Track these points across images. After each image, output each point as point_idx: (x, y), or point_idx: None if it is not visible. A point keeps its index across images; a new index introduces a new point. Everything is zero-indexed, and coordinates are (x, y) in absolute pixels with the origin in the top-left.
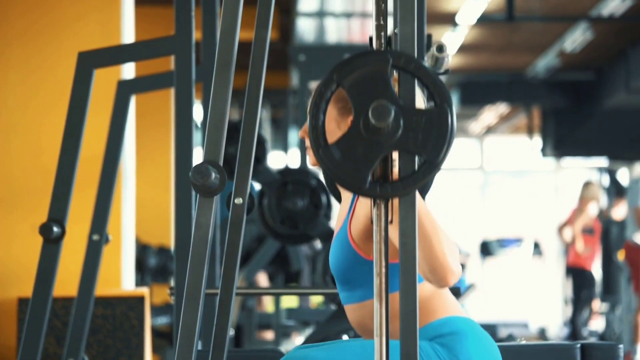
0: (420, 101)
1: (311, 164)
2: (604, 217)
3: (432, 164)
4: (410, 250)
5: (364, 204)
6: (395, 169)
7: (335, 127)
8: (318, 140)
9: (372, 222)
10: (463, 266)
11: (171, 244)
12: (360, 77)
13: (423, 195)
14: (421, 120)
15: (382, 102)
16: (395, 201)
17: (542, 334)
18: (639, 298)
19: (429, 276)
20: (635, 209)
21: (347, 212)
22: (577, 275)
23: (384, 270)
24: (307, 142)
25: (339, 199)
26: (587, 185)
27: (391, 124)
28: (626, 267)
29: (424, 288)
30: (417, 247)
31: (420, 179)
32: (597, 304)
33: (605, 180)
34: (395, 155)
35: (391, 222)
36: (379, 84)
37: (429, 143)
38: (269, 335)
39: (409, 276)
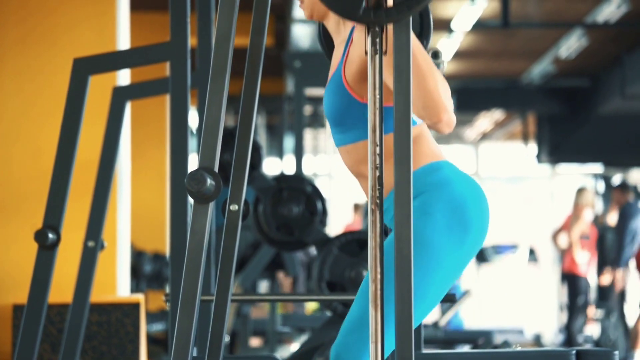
0: None
1: (307, 17)
2: (599, 223)
3: None
4: (404, 84)
5: (358, 45)
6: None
7: None
8: None
9: (365, 53)
10: None
11: (166, 250)
12: None
13: (425, 43)
14: None
15: None
16: (390, 30)
17: (537, 340)
18: None
19: (422, 113)
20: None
21: (340, 57)
22: (573, 281)
23: (379, 277)
24: None
25: (329, 56)
26: (581, 191)
27: None
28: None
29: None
30: (412, 82)
31: (414, 4)
32: (592, 311)
33: (601, 186)
34: None
35: (385, 52)
36: None
37: None
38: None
39: (404, 120)
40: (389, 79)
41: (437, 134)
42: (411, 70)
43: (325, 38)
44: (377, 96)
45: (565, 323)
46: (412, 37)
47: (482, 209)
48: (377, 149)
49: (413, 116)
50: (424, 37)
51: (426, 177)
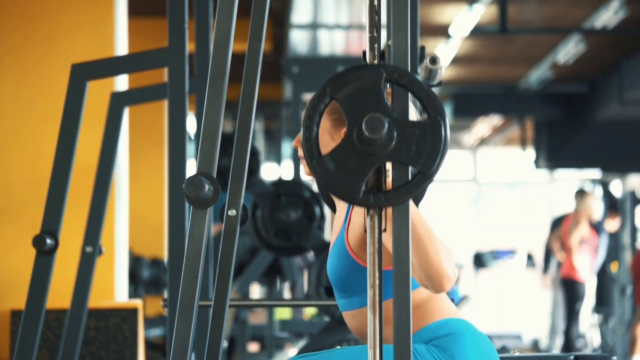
0: (413, 113)
1: (306, 174)
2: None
3: (426, 175)
4: (403, 261)
5: (360, 212)
6: (389, 179)
7: (328, 138)
8: (312, 152)
9: (365, 230)
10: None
11: (164, 255)
12: (354, 90)
13: (417, 203)
14: (414, 132)
15: (375, 114)
16: (389, 210)
17: (535, 345)
18: (638, 309)
19: (425, 282)
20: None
21: (343, 221)
22: (571, 287)
23: (377, 281)
24: (301, 152)
25: (333, 209)
26: (581, 194)
27: (385, 136)
28: (628, 276)
29: (420, 292)
30: (412, 255)
31: (413, 189)
32: (589, 316)
33: (599, 192)
34: (388, 165)
35: (384, 230)
36: (373, 97)
37: (422, 154)
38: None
39: (403, 286)
40: (388, 242)
41: None
42: (410, 245)
43: (328, 195)
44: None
45: (564, 328)
46: (412, 207)
47: None
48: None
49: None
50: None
51: (437, 330)
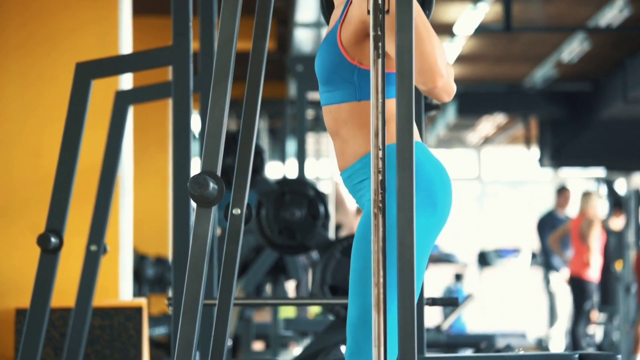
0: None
1: None
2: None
3: None
4: (407, 49)
5: (357, 6)
6: None
7: None
8: None
9: (368, 12)
10: (460, 276)
11: (169, 254)
12: None
13: (427, 14)
14: None
15: None
16: None
17: (540, 344)
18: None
19: (417, 77)
20: None
21: (338, 17)
22: (580, 285)
23: (381, 280)
24: None
25: (327, 19)
26: (586, 195)
27: None
28: (632, 275)
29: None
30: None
31: None
32: (596, 314)
33: (603, 190)
34: None
35: (387, 11)
36: None
37: None
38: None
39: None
40: (390, 43)
41: (438, 140)
42: (413, 31)
43: (327, 3)
44: (380, 100)
45: (570, 327)
46: (414, 3)
47: (447, 191)
48: (380, 152)
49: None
50: (426, 8)
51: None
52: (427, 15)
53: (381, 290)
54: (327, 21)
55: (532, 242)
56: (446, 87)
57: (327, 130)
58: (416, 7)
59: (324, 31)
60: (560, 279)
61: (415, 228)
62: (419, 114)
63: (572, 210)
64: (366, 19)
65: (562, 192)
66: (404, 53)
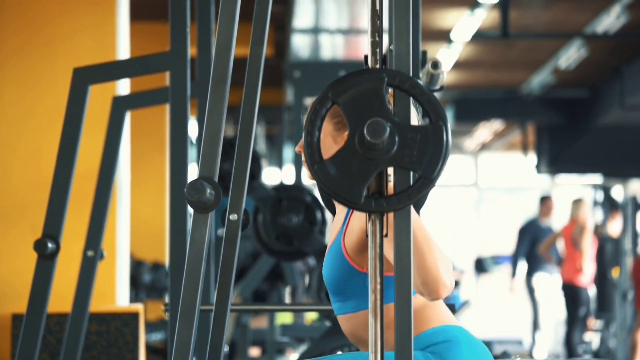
0: (414, 118)
1: (309, 178)
2: (598, 233)
3: (427, 180)
4: (405, 266)
5: (359, 217)
6: (390, 184)
7: (331, 142)
8: (313, 157)
9: (367, 235)
10: (457, 283)
11: (165, 260)
12: (356, 94)
13: (417, 209)
14: (416, 137)
15: (377, 119)
16: (390, 215)
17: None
18: (638, 314)
19: (422, 289)
20: None
21: (341, 225)
22: (573, 292)
23: (378, 286)
24: (304, 157)
25: (333, 213)
26: (577, 202)
27: (386, 141)
28: (629, 281)
29: (417, 298)
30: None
31: (415, 194)
32: (592, 321)
33: (600, 197)
34: (390, 170)
35: (386, 235)
36: (374, 101)
37: (424, 159)
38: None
39: (404, 291)
40: (390, 253)
41: None
42: (412, 251)
43: (328, 199)
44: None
45: (565, 334)
46: (412, 213)
47: None
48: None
49: None
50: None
51: (434, 337)
52: (418, 209)
53: (378, 297)
54: (331, 210)
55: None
56: (447, 294)
57: (348, 337)
58: (415, 220)
59: (322, 37)
60: (512, 285)
61: None
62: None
63: (555, 219)
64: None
65: (545, 201)
66: (403, 263)
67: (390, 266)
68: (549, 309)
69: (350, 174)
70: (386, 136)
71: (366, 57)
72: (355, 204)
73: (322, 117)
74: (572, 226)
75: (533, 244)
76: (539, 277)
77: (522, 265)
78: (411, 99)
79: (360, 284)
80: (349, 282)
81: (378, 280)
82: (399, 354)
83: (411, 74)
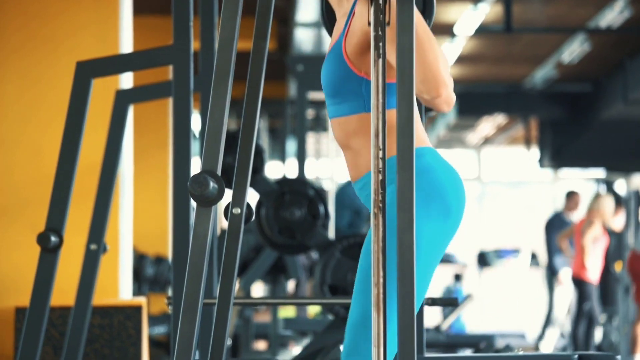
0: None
1: None
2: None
3: None
4: (408, 56)
5: (360, 18)
6: None
7: None
8: None
9: (369, 24)
10: (460, 276)
11: (168, 253)
12: None
13: (428, 21)
14: None
15: None
16: (393, 2)
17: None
18: (638, 308)
19: (421, 87)
20: None
21: (342, 29)
22: (580, 287)
23: (382, 280)
24: None
25: (330, 31)
26: (597, 197)
27: None
28: (628, 276)
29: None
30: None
31: None
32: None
33: (603, 191)
34: None
35: (388, 23)
36: None
37: None
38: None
39: (406, 95)
40: (391, 54)
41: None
42: (414, 45)
43: (328, 13)
44: (380, 100)
45: (571, 328)
46: (415, 11)
47: (460, 196)
48: (380, 152)
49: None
50: (426, 16)
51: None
52: (429, 24)
53: (381, 290)
54: (329, 31)
55: (531, 243)
56: (447, 98)
57: (337, 142)
58: (417, 16)
59: (325, 31)
60: (562, 281)
61: (429, 233)
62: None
63: (580, 214)
64: (369, 29)
65: (572, 195)
66: (405, 54)
67: (393, 72)
68: (565, 304)
69: None
70: None
71: None
72: None
73: None
74: (584, 221)
75: (552, 239)
76: (563, 272)
77: (557, 259)
78: None
79: (356, 87)
80: (345, 85)
81: (381, 274)
82: (402, 348)
83: (414, 71)
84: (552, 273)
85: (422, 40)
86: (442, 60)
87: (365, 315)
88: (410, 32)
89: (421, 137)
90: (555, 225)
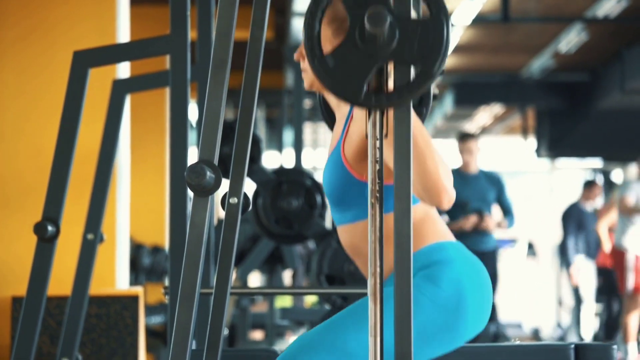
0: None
1: (306, 87)
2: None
3: (428, 74)
4: (404, 168)
5: (358, 123)
6: (391, 80)
7: (329, 48)
8: (314, 50)
9: (366, 136)
10: None
11: (165, 243)
12: None
13: (421, 118)
14: (417, 30)
15: (378, 7)
16: (391, 115)
17: (535, 334)
18: (624, 300)
19: (423, 194)
20: (620, 199)
21: (340, 133)
22: (606, 275)
23: (378, 270)
24: (303, 65)
25: (331, 126)
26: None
27: (387, 33)
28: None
29: (415, 211)
30: (412, 163)
31: (415, 89)
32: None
33: (600, 181)
34: (391, 67)
35: (386, 135)
36: None
37: (424, 53)
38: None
39: (404, 199)
40: (389, 159)
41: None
42: (412, 152)
43: (326, 108)
44: (378, 267)
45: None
46: (413, 116)
47: (481, 295)
48: (378, 142)
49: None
50: (424, 105)
51: (429, 255)
52: (425, 112)
53: (377, 280)
54: (329, 127)
55: (528, 233)
56: (449, 200)
57: (345, 250)
58: (416, 123)
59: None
60: (579, 271)
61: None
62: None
63: (598, 203)
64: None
65: (590, 185)
66: (402, 171)
67: (390, 175)
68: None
69: (351, 68)
70: (387, 27)
71: None
72: (356, 99)
73: (322, 9)
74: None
75: (577, 229)
76: (583, 263)
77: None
78: None
79: (359, 193)
80: (348, 191)
81: (377, 263)
82: (399, 338)
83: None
84: (567, 264)
85: (421, 148)
86: (441, 166)
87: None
88: (407, 145)
89: (441, 232)
90: (574, 215)
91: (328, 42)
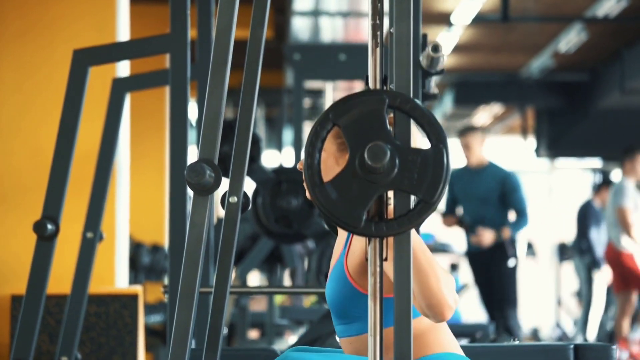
0: (415, 137)
1: (309, 197)
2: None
3: (428, 204)
4: (404, 290)
5: (360, 239)
6: (391, 207)
7: (334, 162)
8: (313, 179)
9: (366, 259)
10: (456, 266)
11: (165, 242)
12: (356, 116)
13: (417, 230)
14: (417, 159)
15: (377, 143)
16: (390, 238)
17: (534, 334)
18: (618, 299)
19: (426, 311)
20: (619, 209)
21: (343, 246)
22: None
23: (378, 269)
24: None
25: (335, 232)
26: None
27: (387, 164)
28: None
29: (421, 321)
30: (413, 284)
31: (415, 218)
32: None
33: (599, 180)
34: (390, 193)
35: (386, 259)
36: (375, 124)
37: (424, 183)
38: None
39: (404, 314)
40: (391, 274)
41: None
42: (412, 274)
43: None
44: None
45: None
46: (413, 234)
47: None
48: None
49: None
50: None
51: None
52: (418, 229)
53: (377, 279)
54: (334, 231)
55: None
56: (452, 314)
57: None
58: (416, 241)
59: (322, 20)
60: (601, 272)
61: None
62: None
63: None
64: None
65: (605, 185)
66: (403, 291)
67: (391, 287)
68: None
69: (350, 197)
70: (387, 160)
71: (367, 77)
72: (355, 227)
73: (322, 139)
74: None
75: (591, 228)
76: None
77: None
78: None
79: (364, 306)
80: (352, 305)
81: (377, 302)
82: None
83: (411, 60)
84: (594, 262)
85: (423, 266)
86: (444, 281)
87: None
88: (407, 269)
89: (448, 343)
90: (591, 214)
91: (332, 156)
